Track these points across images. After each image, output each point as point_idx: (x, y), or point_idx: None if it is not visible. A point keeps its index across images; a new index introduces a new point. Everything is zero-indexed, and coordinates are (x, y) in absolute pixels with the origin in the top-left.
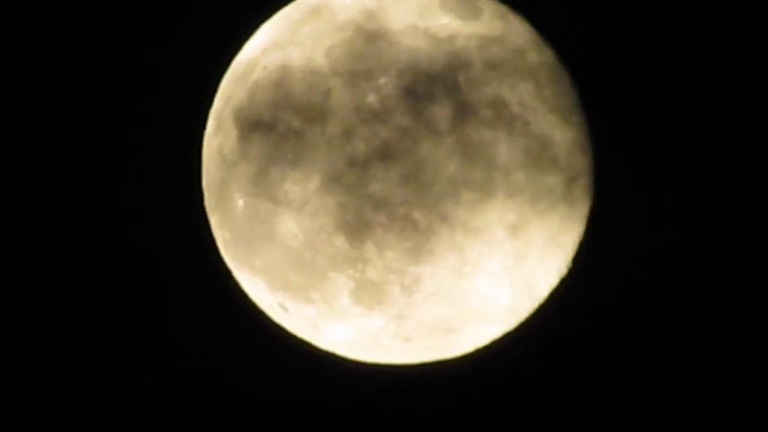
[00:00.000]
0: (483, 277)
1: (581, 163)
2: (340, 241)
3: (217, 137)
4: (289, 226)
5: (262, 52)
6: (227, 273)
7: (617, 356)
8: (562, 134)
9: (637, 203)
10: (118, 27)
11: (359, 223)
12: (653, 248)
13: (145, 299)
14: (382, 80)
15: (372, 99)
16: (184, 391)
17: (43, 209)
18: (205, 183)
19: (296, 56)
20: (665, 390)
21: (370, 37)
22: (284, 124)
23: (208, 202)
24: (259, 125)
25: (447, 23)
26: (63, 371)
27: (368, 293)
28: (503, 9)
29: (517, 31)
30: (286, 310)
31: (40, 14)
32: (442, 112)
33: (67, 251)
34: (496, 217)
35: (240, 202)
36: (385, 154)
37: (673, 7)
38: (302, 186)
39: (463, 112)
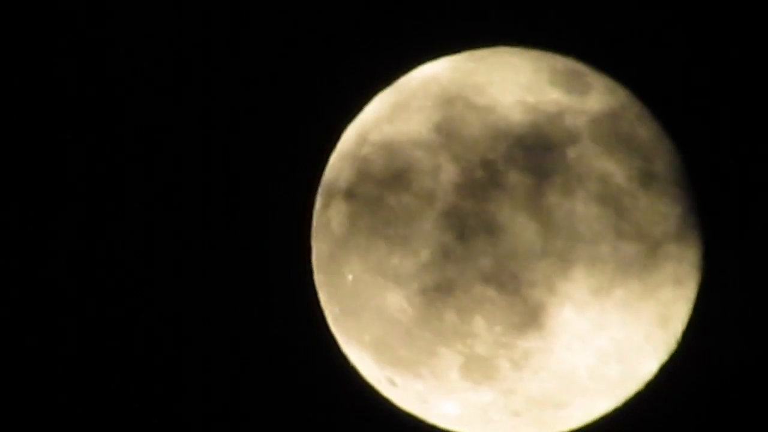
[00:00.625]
0: (592, 351)
1: (695, 241)
2: (449, 316)
3: (327, 212)
4: (398, 300)
5: (373, 126)
6: (336, 347)
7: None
8: (673, 209)
9: (750, 277)
10: (229, 97)
11: (468, 297)
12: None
13: (256, 371)
14: (491, 155)
15: (481, 174)
16: None
17: (160, 282)
18: (314, 257)
19: (405, 131)
20: None
21: (479, 111)
22: (393, 199)
23: (318, 276)
24: (369, 200)
25: (556, 98)
26: None
27: (477, 368)
28: (612, 84)
29: (626, 106)
30: (394, 384)
31: (150, 79)
32: (551, 187)
33: (180, 331)
34: (606, 292)
35: (349, 277)
36: (493, 229)
37: None
38: (411, 260)
39: (572, 187)
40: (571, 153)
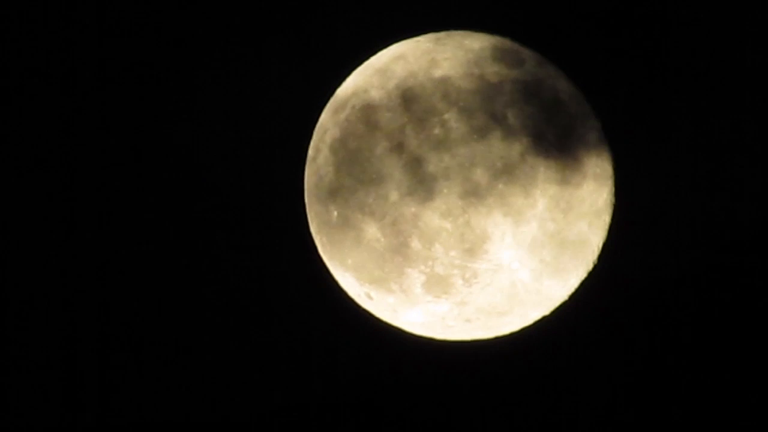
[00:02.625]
0: (527, 272)
1: (606, 181)
2: (414, 243)
3: (316, 162)
4: (374, 232)
5: (352, 93)
6: (325, 270)
7: (629, 337)
8: (588, 155)
9: (654, 214)
10: (240, 68)
11: (429, 229)
12: (667, 250)
13: (259, 293)
14: (446, 116)
15: (438, 131)
16: (288, 363)
17: (171, 226)
18: (306, 198)
19: (377, 97)
20: (673, 367)
21: (436, 81)
22: (369, 151)
23: (309, 213)
24: (349, 152)
25: (497, 70)
26: (181, 355)
27: (436, 285)
28: (541, 58)
29: (552, 76)
30: (371, 298)
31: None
32: (494, 140)
33: (194, 261)
34: (538, 224)
35: (335, 213)
36: (449, 175)
37: (694, 49)
38: (384, 200)
39: (511, 139)
40: (510, 112)
